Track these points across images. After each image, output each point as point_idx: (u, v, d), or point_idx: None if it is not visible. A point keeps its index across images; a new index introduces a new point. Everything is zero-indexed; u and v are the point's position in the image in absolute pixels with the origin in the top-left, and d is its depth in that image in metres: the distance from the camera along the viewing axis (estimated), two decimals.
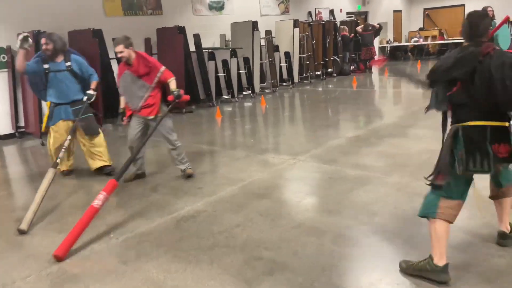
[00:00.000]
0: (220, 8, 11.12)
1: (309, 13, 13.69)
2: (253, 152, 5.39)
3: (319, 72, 12.69)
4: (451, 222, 2.36)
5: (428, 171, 2.46)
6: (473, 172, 2.28)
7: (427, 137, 5.30)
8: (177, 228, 3.35)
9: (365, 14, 16.50)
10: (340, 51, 13.57)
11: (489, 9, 7.32)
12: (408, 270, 2.48)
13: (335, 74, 13.24)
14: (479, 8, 8.25)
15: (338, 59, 13.39)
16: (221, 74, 9.69)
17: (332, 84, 12.11)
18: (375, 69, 13.72)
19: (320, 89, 11.45)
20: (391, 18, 17.50)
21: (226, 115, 8.40)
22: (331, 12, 14.28)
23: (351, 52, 13.48)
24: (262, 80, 10.81)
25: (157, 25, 9.18)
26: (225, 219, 3.44)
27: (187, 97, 4.33)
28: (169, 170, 4.77)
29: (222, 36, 10.93)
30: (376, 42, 15.17)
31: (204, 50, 9.38)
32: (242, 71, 10.09)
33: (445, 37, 16.96)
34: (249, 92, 10.19)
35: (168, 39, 8.94)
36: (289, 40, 11.59)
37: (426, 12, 18.58)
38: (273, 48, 10.97)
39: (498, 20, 9.50)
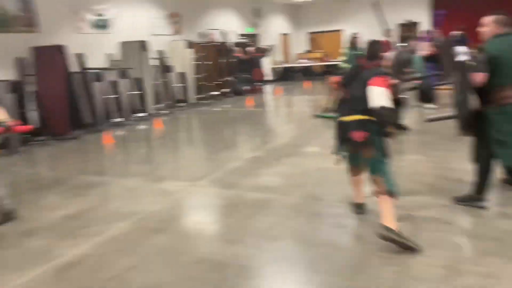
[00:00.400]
0: (104, 26, 10.48)
1: (202, 34, 13.70)
2: (149, 180, 5.02)
3: (216, 93, 12.72)
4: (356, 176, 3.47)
5: (325, 189, 2.46)
6: (344, 151, 3.26)
7: (320, 154, 5.51)
8: (57, 280, 2.87)
9: (256, 36, 17.14)
10: (235, 72, 13.82)
11: (357, 35, 7.91)
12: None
13: (231, 95, 13.39)
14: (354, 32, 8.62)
15: (233, 80, 13.59)
16: (110, 96, 9.06)
17: (229, 104, 12.19)
18: (267, 89, 14.24)
19: (217, 109, 11.43)
20: (279, 41, 18.47)
21: (117, 140, 7.81)
22: (224, 33, 14.50)
23: (245, 72, 13.79)
24: (157, 102, 10.41)
25: (32, 43, 8.23)
26: (117, 262, 3.05)
27: (23, 127, 3.83)
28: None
29: (110, 55, 10.29)
30: (268, 63, 15.84)
31: (89, 71, 8.68)
32: (134, 92, 9.58)
33: (327, 59, 18.42)
34: (143, 114, 9.69)
35: (47, 59, 8.05)
36: (183, 60, 11.41)
37: (311, 36, 20.04)
38: (166, 68, 10.68)
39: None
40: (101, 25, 10.41)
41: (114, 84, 9.05)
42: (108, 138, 7.44)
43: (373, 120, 2.94)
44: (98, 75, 8.73)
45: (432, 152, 5.37)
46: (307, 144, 6.39)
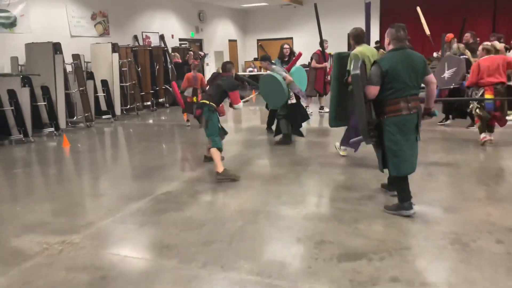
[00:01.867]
0: (10, 24, 8.79)
1: (135, 37, 12.22)
2: (4, 235, 3.55)
3: (149, 103, 11.26)
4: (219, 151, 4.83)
5: None
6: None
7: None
8: None
9: (200, 41, 15.85)
10: (173, 80, 12.43)
11: (285, 46, 7.81)
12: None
13: (167, 105, 11.98)
14: (305, 40, 7.95)
15: (170, 88, 12.18)
16: (7, 108, 7.39)
17: (164, 116, 10.79)
18: None
19: (150, 121, 10.02)
20: (226, 47, 17.29)
21: (7, 163, 6.19)
22: (161, 37, 13.09)
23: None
24: (71, 114, 8.81)
25: None
26: None
27: None
28: None
29: (14, 59, 8.60)
30: (213, 70, 14.57)
31: None
32: (40, 103, 7.96)
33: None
34: (52, 129, 8.08)
35: None
36: (108, 66, 9.89)
37: (260, 43, 19.04)
38: (85, 75, 9.12)
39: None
40: (6, 22, 8.72)
41: (12, 94, 7.38)
42: None
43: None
44: None
45: None
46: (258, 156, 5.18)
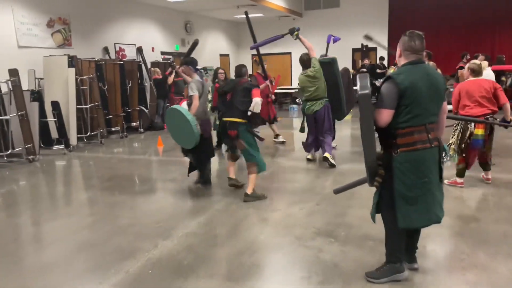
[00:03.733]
0: None
1: (106, 50, 10.34)
2: None
3: (118, 128, 9.32)
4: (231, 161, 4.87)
5: None
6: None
7: None
8: None
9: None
10: (152, 99, 10.55)
11: (220, 71, 7.52)
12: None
13: (142, 130, 10.03)
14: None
15: (146, 110, 10.28)
16: None
17: (138, 143, 8.85)
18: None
19: (119, 151, 8.03)
20: (217, 62, 15.45)
21: None
22: (139, 50, 11.23)
23: (163, 99, 10.48)
24: (6, 146, 6.83)
25: None
26: None
27: None
28: None
29: None
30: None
31: None
32: None
33: (274, 85, 15.65)
34: None
35: None
36: (63, 84, 7.98)
37: (254, 58, 17.23)
38: (30, 95, 7.17)
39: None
40: None
41: None
42: None
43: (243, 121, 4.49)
44: None
45: None
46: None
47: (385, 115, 2.51)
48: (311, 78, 5.86)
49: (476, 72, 4.58)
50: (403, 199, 2.56)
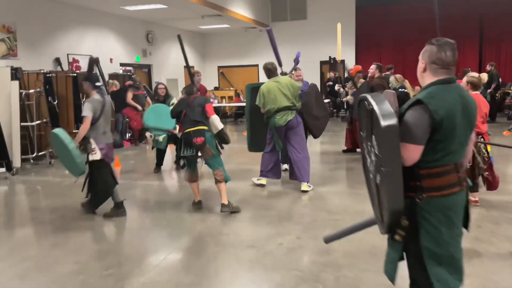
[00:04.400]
0: None
1: (57, 61, 9.46)
2: None
3: None
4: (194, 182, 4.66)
5: None
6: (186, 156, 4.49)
7: None
8: None
9: (148, 67, 13.26)
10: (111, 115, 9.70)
11: (160, 86, 7.06)
12: None
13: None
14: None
15: None
16: None
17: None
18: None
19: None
20: (182, 75, 14.76)
21: None
22: (95, 61, 10.35)
23: (128, 116, 9.64)
24: None
25: None
26: None
27: None
28: None
29: None
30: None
31: None
32: None
33: (242, 98, 15.15)
34: None
35: None
36: (5, 99, 7.06)
37: (221, 70, 16.72)
38: None
39: None
40: None
41: None
42: None
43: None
44: None
45: None
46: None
47: (414, 152, 1.89)
48: (284, 86, 5.19)
49: (476, 85, 4.24)
50: (433, 258, 1.97)
